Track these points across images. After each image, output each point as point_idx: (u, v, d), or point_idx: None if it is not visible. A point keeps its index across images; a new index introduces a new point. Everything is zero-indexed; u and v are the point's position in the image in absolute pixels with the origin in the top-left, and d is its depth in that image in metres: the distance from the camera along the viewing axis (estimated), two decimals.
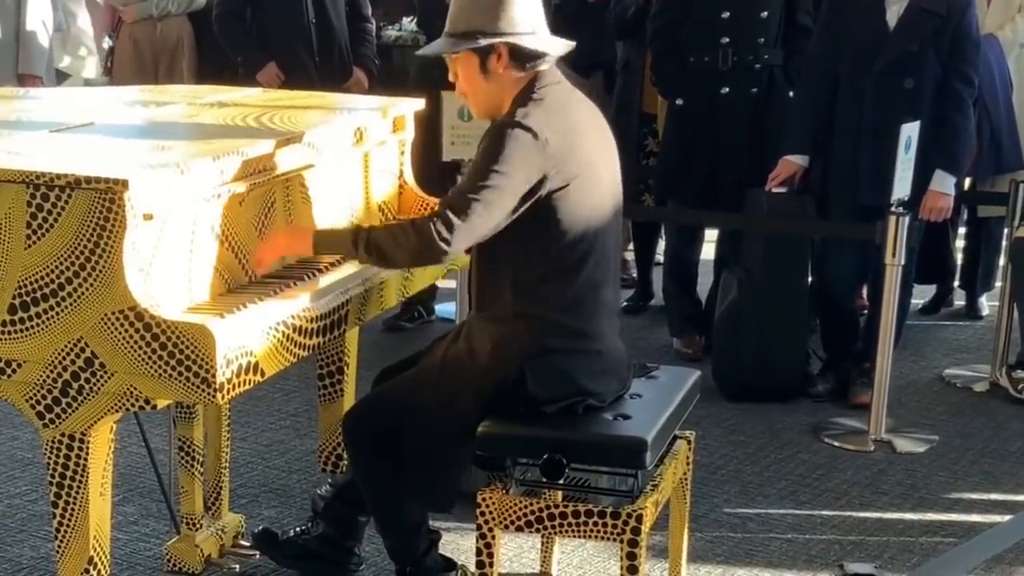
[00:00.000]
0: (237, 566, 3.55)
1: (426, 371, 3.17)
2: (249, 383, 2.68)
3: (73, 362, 2.60)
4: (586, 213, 3.05)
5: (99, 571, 2.75)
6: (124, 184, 2.55)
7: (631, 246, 6.61)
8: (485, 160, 2.96)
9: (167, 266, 2.72)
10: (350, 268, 3.20)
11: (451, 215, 2.93)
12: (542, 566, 3.65)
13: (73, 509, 2.70)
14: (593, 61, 6.40)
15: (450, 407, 3.06)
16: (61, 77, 6.54)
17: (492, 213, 2.94)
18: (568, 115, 3.06)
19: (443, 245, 2.93)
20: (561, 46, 3.13)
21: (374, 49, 6.21)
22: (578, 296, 3.07)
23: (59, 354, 2.60)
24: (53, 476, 2.69)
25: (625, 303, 6.31)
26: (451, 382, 3.08)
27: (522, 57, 3.05)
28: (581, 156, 3.04)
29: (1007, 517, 4.15)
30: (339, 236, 3.10)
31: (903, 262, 4.66)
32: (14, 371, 2.65)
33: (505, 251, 3.04)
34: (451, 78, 3.16)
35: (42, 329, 2.61)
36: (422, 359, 3.24)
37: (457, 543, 3.74)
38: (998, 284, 5.91)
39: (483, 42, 3.03)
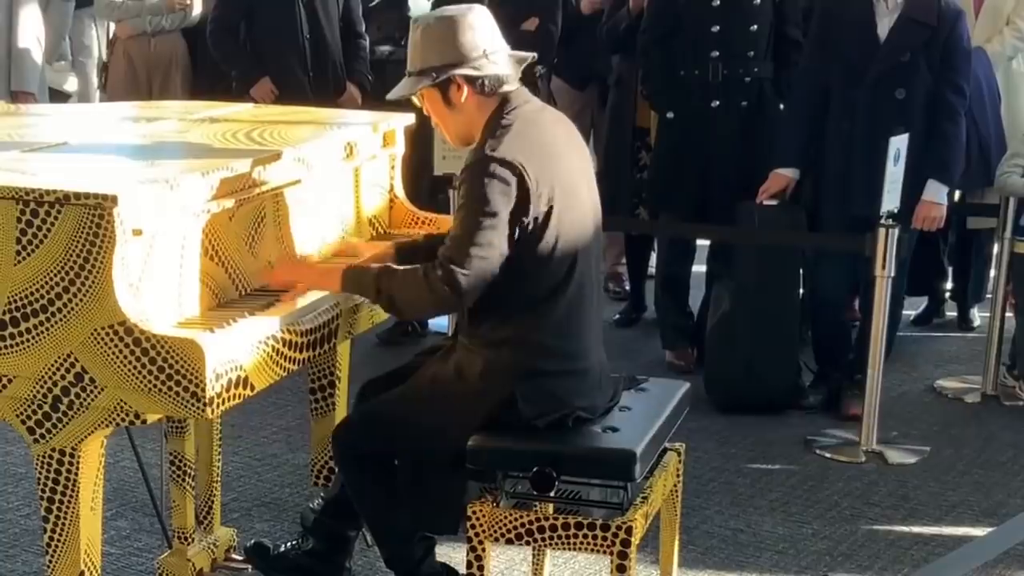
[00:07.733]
0: None
1: (415, 394, 3.16)
2: (239, 397, 2.69)
3: (63, 377, 2.61)
4: (568, 234, 3.05)
5: None
6: (113, 200, 2.56)
7: (623, 259, 6.63)
8: (468, 204, 2.96)
9: (157, 281, 2.72)
10: None
11: (454, 268, 2.94)
12: None
13: (64, 524, 2.70)
14: (588, 74, 6.44)
15: (442, 433, 3.05)
16: (53, 94, 6.57)
17: (491, 253, 2.95)
18: (539, 135, 3.06)
19: (456, 298, 2.97)
20: (519, 60, 3.12)
21: (368, 65, 6.23)
22: (565, 316, 3.07)
23: (49, 369, 2.61)
24: (44, 491, 2.70)
25: (617, 315, 6.33)
26: (441, 407, 3.07)
27: (481, 83, 3.05)
28: (558, 175, 3.03)
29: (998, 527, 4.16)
30: (363, 282, 3.07)
31: (893, 274, 4.67)
32: (4, 386, 2.65)
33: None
34: (425, 112, 3.17)
35: (32, 344, 2.62)
36: (409, 377, 3.24)
37: (449, 556, 3.74)
38: (988, 296, 5.92)
39: (439, 77, 3.04)
